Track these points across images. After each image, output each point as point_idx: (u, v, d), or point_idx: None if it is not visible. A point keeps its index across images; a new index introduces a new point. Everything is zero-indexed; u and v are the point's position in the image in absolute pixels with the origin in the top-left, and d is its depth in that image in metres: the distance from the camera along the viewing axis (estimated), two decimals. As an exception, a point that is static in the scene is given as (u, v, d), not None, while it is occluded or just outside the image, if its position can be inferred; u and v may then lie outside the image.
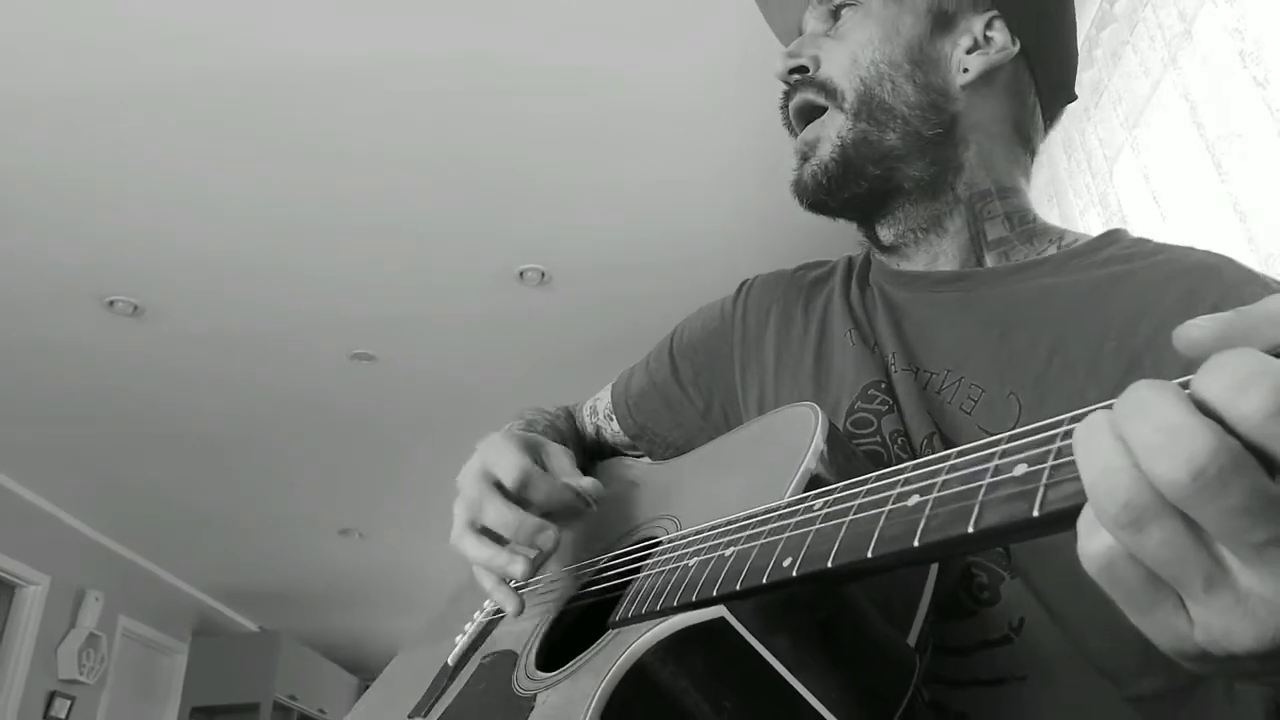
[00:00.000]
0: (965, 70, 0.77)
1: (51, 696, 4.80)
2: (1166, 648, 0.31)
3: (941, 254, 0.78)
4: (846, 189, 0.77)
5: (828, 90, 0.78)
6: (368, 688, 0.95)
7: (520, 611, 0.69)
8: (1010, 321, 0.70)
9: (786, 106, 0.82)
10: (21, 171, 2.72)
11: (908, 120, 0.76)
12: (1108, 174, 2.03)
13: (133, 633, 5.66)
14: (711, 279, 3.30)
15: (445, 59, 2.42)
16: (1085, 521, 0.30)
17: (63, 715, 4.86)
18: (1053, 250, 0.76)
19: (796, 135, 0.82)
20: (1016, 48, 0.77)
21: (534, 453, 0.76)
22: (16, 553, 4.64)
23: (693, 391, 0.91)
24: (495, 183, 2.88)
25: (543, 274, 3.27)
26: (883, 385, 0.72)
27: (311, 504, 5.17)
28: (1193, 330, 0.30)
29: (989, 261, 0.77)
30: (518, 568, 0.67)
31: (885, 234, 0.81)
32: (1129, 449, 0.28)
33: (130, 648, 5.66)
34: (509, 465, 0.71)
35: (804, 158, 0.79)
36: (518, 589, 0.71)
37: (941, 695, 0.59)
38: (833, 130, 0.77)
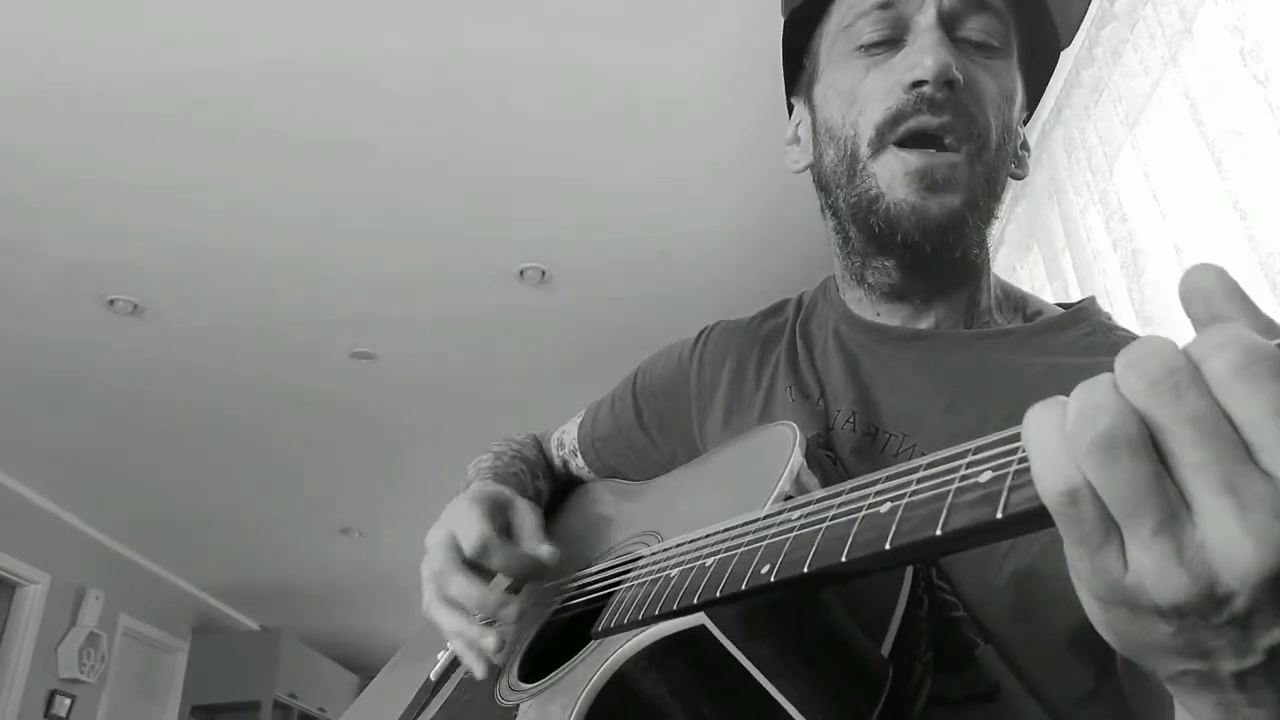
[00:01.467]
0: (1016, 166, 0.75)
1: (52, 695, 4.81)
2: (1094, 589, 0.33)
3: (932, 314, 0.74)
4: (950, 251, 0.69)
5: (973, 127, 0.68)
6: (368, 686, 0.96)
7: (488, 674, 0.70)
8: (959, 392, 0.68)
9: (905, 115, 0.67)
10: (22, 169, 2.71)
11: (997, 202, 0.72)
12: (1108, 172, 2.02)
13: (133, 631, 5.66)
14: (711, 278, 3.32)
15: (445, 57, 2.42)
16: (1052, 457, 0.32)
17: (63, 714, 4.87)
18: (1019, 321, 0.75)
19: (887, 136, 0.69)
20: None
21: (500, 515, 0.77)
22: (16, 552, 4.64)
23: (657, 437, 0.90)
24: (495, 182, 2.87)
25: (543, 273, 3.27)
26: (819, 439, 0.70)
27: (312, 503, 5.17)
28: (1206, 275, 0.32)
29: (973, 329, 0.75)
30: (489, 642, 0.68)
31: (898, 280, 0.73)
32: (1120, 390, 0.31)
33: (130, 646, 5.66)
34: (470, 534, 0.72)
35: (929, 189, 0.67)
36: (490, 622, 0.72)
37: None
38: (965, 180, 0.68)
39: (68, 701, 4.89)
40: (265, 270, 3.21)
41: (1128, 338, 0.69)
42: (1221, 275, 0.32)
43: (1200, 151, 1.61)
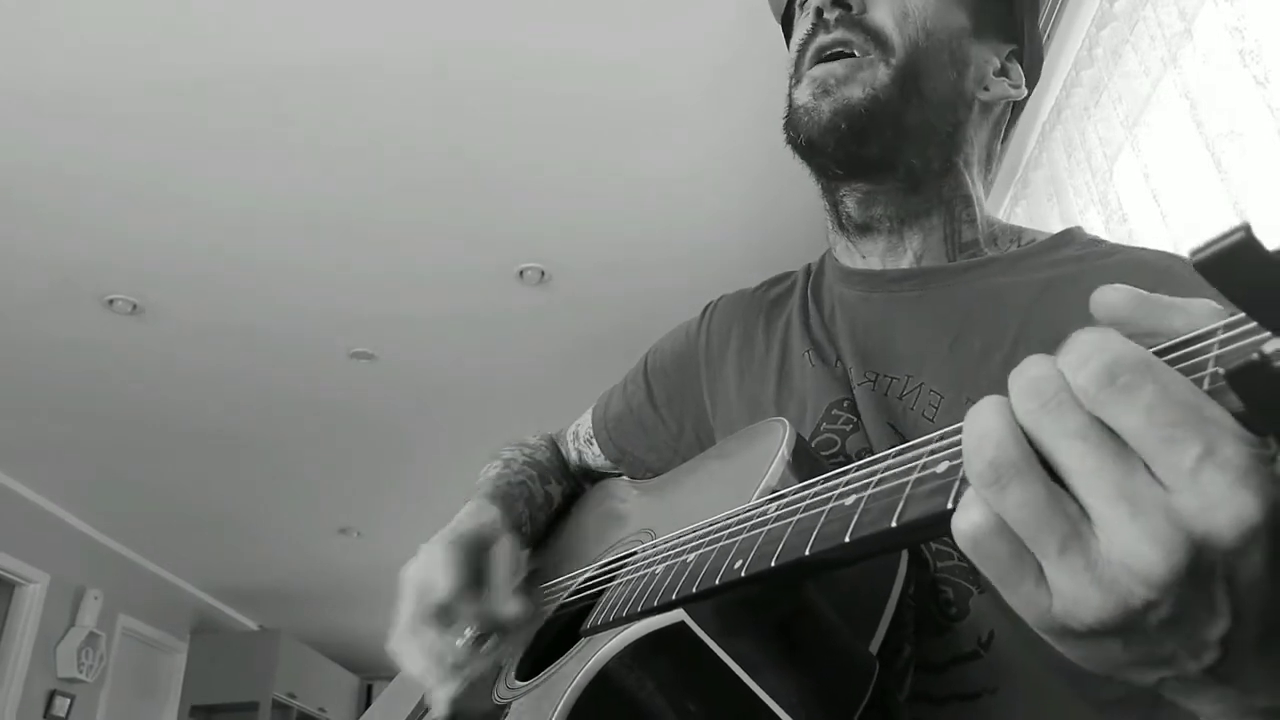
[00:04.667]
0: (986, 89, 0.77)
1: (51, 695, 4.81)
2: (1036, 625, 0.33)
3: (909, 248, 0.77)
4: (859, 145, 0.72)
5: (877, 38, 0.72)
6: (369, 686, 0.97)
7: (446, 717, 0.70)
8: (962, 325, 0.70)
9: (808, 41, 0.75)
10: (21, 169, 2.72)
11: (931, 108, 0.74)
12: (1108, 173, 2.02)
13: (132, 631, 5.67)
14: (712, 276, 3.31)
15: (443, 57, 2.42)
16: (961, 502, 0.33)
17: (63, 714, 4.87)
18: (1012, 248, 0.77)
19: (802, 68, 0.75)
20: (1026, 93, 0.80)
21: (475, 557, 0.75)
22: (16, 551, 4.65)
23: (666, 414, 0.92)
24: (494, 180, 2.87)
25: (542, 273, 3.27)
26: (845, 403, 0.71)
27: (311, 503, 5.18)
28: (1109, 294, 0.33)
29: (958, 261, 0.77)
30: (438, 712, 0.69)
31: (856, 210, 0.77)
32: (1005, 415, 0.32)
33: (130, 646, 5.67)
34: (439, 586, 0.71)
35: (825, 91, 0.72)
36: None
37: (924, 713, 0.59)
38: (870, 78, 0.72)
39: (67, 701, 4.89)
40: (265, 270, 3.21)
41: (1116, 248, 0.72)
42: (1121, 292, 0.32)
43: (1200, 152, 1.61)
